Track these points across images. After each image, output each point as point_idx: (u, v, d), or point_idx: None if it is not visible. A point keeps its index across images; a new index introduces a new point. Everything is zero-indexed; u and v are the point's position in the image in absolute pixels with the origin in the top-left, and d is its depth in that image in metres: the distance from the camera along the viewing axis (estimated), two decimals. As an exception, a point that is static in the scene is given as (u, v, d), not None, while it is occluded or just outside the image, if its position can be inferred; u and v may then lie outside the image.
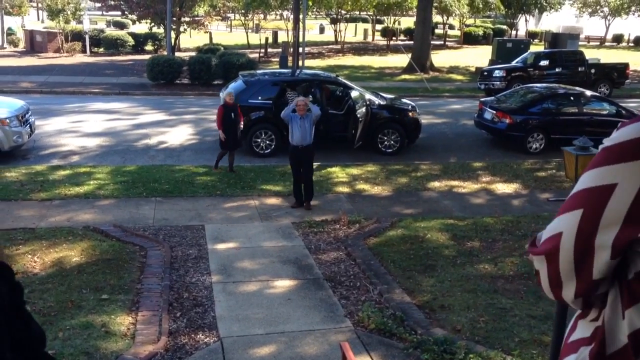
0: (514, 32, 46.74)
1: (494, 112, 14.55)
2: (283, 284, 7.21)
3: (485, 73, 23.57)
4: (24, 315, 0.70)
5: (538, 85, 17.28)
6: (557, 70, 22.92)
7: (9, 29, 37.30)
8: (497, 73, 23.01)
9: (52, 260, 7.42)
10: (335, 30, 42.59)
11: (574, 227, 1.17)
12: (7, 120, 11.84)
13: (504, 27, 47.67)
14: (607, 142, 1.17)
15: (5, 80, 22.34)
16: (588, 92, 15.64)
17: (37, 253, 7.59)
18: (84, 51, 32.82)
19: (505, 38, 37.44)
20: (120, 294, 6.69)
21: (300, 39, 26.25)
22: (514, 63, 24.19)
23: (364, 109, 13.01)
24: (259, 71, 17.27)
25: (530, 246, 1.32)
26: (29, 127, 12.61)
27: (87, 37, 32.93)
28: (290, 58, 26.46)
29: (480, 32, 46.01)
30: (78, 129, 15.11)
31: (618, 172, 1.11)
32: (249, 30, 42.46)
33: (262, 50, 33.77)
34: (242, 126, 11.90)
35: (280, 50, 31.13)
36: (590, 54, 27.20)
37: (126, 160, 12.61)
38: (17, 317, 0.67)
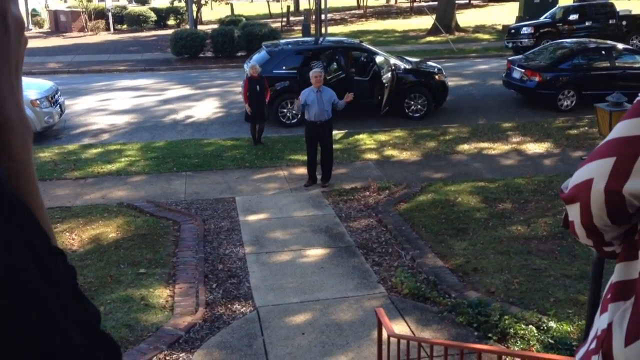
0: (541, -13, 45.39)
1: (523, 70, 14.24)
2: (315, 253, 7.28)
3: (513, 31, 23.02)
4: (81, 296, 0.73)
5: (568, 40, 16.80)
6: (587, 24, 22.26)
7: (34, 10, 37.59)
8: (524, 30, 22.45)
9: (90, 237, 7.60)
10: (357, -5, 41.93)
11: (605, 173, 1.20)
12: (38, 102, 12.01)
13: (531, -18, 46.29)
14: None
15: (33, 61, 22.62)
16: (620, 46, 15.18)
17: (75, 230, 7.78)
18: (107, 29, 32.97)
19: (532, -7, 36.39)
20: (157, 267, 6.84)
21: (322, 6, 25.93)
22: (542, 19, 23.55)
23: (389, 74, 12.86)
24: (282, 41, 17.15)
25: (561, 193, 1.36)
26: (59, 107, 12.79)
27: (110, 14, 33.03)
28: (312, 26, 26.20)
29: (506, -11, 44.77)
30: (106, 107, 15.28)
31: None
32: (270, 0, 42.05)
33: (284, 19, 33.48)
34: (268, 99, 11.77)
35: (302, 18, 30.81)
36: (621, 5, 26.31)
37: (155, 136, 12.74)
38: (74, 300, 0.69)
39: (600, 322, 1.30)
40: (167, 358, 5.27)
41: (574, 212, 1.32)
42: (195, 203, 8.90)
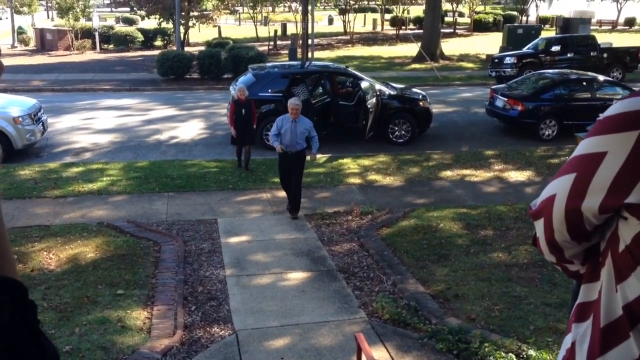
0: (524, 18, 46.32)
1: (506, 99, 14.45)
2: (296, 276, 7.22)
3: (496, 60, 23.40)
4: (37, 335, 0.69)
5: (550, 71, 17.12)
6: (569, 55, 22.71)
7: (20, 27, 37.52)
8: (508, 60, 22.84)
9: (68, 257, 7.48)
10: (344, 21, 42.44)
11: (566, 189, 1.26)
12: (20, 119, 11.93)
13: (515, 13, 47.25)
14: (602, 115, 1.25)
15: (17, 79, 22.50)
16: (600, 77, 15.49)
17: (53, 250, 7.66)
18: (94, 48, 32.97)
19: (515, 24, 37.09)
20: (136, 289, 6.74)
21: (309, 31, 26.19)
22: (525, 49, 23.99)
23: (374, 100, 12.97)
24: (268, 64, 17.25)
25: (530, 210, 1.42)
26: (42, 125, 12.70)
27: (96, 34, 33.07)
28: (299, 50, 26.41)
29: (491, 19, 45.64)
30: (90, 125, 15.19)
31: (608, 141, 1.18)
32: (258, 23, 42.39)
33: (271, 43, 33.73)
34: (255, 123, 11.68)
35: (289, 42, 31.06)
36: (603, 39, 26.90)
37: (138, 156, 12.67)
38: (30, 337, 0.66)
39: (565, 342, 1.37)
40: (143, 382, 5.16)
41: (539, 228, 1.37)
42: (177, 224, 8.82)
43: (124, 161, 12.10)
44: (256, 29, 40.05)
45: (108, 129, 14.91)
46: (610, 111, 1.21)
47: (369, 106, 12.97)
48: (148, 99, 19.26)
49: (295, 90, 13.10)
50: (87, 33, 33.42)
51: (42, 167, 11.46)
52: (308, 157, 9.29)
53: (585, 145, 1.24)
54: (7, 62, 27.62)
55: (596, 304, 1.28)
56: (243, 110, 11.15)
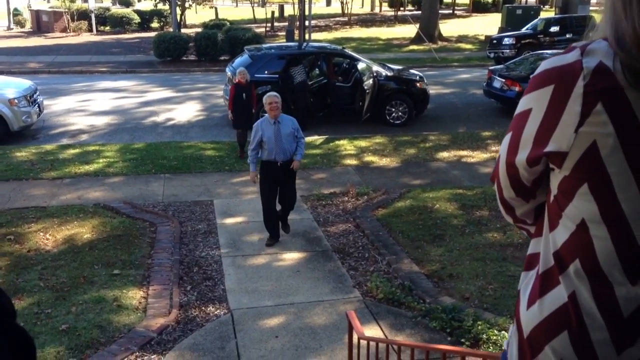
0: (523, -1, 45.97)
1: (503, 80, 14.40)
2: (292, 257, 7.26)
3: (495, 41, 23.28)
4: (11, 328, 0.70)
5: (548, 51, 17.03)
6: (567, 36, 22.56)
7: (15, 9, 37.24)
8: (506, 41, 22.72)
9: (64, 238, 7.51)
10: (342, 2, 42.14)
11: (505, 148, 1.37)
12: (16, 101, 11.89)
13: (514, -6, 46.84)
14: (531, 75, 1.35)
15: (13, 61, 22.39)
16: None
17: (49, 231, 7.68)
18: (90, 30, 32.75)
19: (514, 5, 36.84)
20: (132, 269, 6.77)
21: (307, 12, 26.02)
22: (523, 30, 23.85)
23: (371, 81, 12.93)
24: (264, 45, 17.16)
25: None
26: (38, 106, 12.66)
27: (92, 15, 32.82)
28: (296, 32, 26.26)
29: (490, 0, 45.30)
30: (86, 107, 15.15)
31: (532, 98, 1.29)
32: (255, 5, 42.10)
33: (269, 25, 33.52)
34: (254, 110, 11.28)
35: (286, 24, 30.86)
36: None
37: (134, 137, 12.65)
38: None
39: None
40: (138, 359, 5.21)
41: (495, 189, 1.48)
42: (173, 205, 8.84)
43: (120, 143, 12.09)
44: (253, 10, 39.77)
45: (104, 111, 14.88)
46: (537, 69, 1.30)
47: (365, 87, 12.93)
48: (144, 81, 19.19)
49: (292, 71, 13.05)
50: (84, 15, 33.17)
51: (39, 149, 11.44)
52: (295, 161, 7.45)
53: (519, 105, 1.33)
54: (3, 44, 27.50)
55: (539, 255, 1.38)
56: (244, 95, 10.84)
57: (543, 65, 1.28)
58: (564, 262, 1.29)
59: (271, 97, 7.27)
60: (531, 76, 1.33)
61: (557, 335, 1.30)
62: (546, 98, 1.23)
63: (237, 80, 10.94)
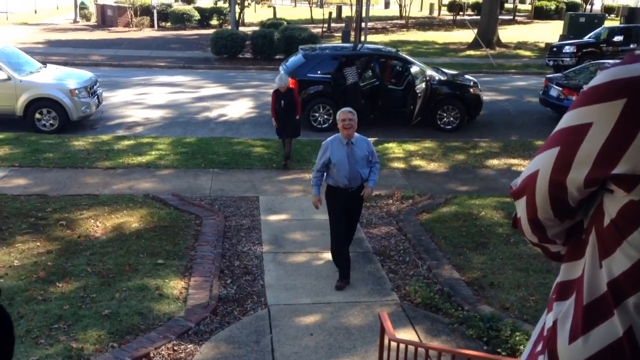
0: (588, 7, 44.70)
1: (561, 89, 14.03)
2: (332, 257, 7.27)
3: (555, 49, 22.70)
4: None
5: (610, 61, 16.48)
6: (632, 46, 21.79)
7: (82, 3, 38.59)
8: (567, 49, 22.12)
9: (113, 226, 7.75)
10: (400, 5, 41.90)
11: (549, 164, 1.21)
12: (76, 91, 12.33)
13: (579, 0, 45.62)
14: (585, 86, 1.21)
15: (77, 53, 23.21)
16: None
17: (100, 218, 7.95)
18: (152, 25, 33.63)
19: (578, 12, 35.86)
20: (175, 259, 6.94)
21: (364, 14, 26.00)
22: (586, 38, 23.17)
23: (423, 85, 12.83)
24: (319, 45, 17.24)
25: (511, 190, 1.37)
26: (97, 98, 13.10)
27: (154, 11, 33.69)
28: (352, 33, 26.27)
29: (553, 6, 44.19)
30: (143, 101, 15.58)
31: (593, 112, 1.13)
32: (313, 5, 42.35)
33: (325, 25, 33.65)
34: (298, 116, 10.61)
35: (343, 25, 30.92)
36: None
37: (187, 132, 12.93)
38: None
39: (547, 321, 1.32)
40: (176, 348, 5.34)
41: (521, 207, 1.32)
42: (219, 199, 9.00)
43: (173, 136, 12.38)
44: (311, 10, 40.01)
45: (160, 104, 15.26)
46: (594, 81, 1.16)
47: (417, 91, 12.83)
48: (200, 77, 19.58)
49: (345, 71, 13.07)
50: (146, 10, 34.09)
51: (95, 139, 11.84)
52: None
53: (569, 118, 1.20)
54: (68, 36, 28.56)
55: (579, 281, 1.24)
56: (282, 102, 10.27)
57: (607, 76, 1.13)
58: (621, 293, 1.16)
59: (345, 114, 6.33)
60: (586, 87, 1.19)
61: None
62: (615, 113, 1.09)
63: (277, 87, 10.45)
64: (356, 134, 6.47)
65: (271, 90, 16.10)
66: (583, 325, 1.20)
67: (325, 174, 6.51)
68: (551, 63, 22.28)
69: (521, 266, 7.01)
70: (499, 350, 5.31)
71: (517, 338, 5.36)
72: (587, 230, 1.24)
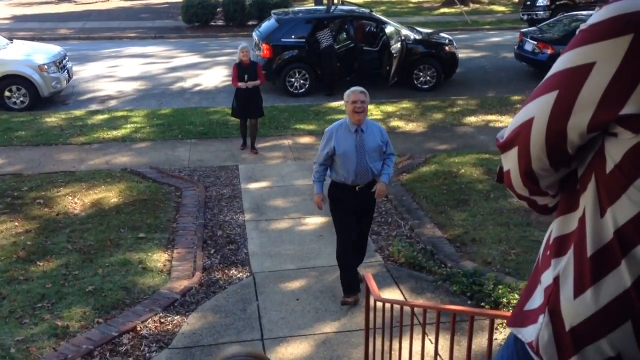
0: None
1: (535, 42, 14.00)
2: (315, 221, 7.29)
3: (528, 2, 22.54)
4: None
5: (583, 12, 16.45)
6: (604, -4, 21.75)
7: (46, -24, 37.45)
8: (540, 2, 21.96)
9: (92, 201, 7.66)
10: (372, -36, 41.28)
11: (547, 109, 1.13)
12: (45, 67, 12.04)
13: (551, -47, 45.26)
14: (583, 25, 1.11)
15: (44, 27, 22.60)
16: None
17: (77, 195, 7.84)
18: (119, -4, 32.78)
19: (551, -35, 35.62)
20: (157, 232, 6.89)
21: (335, -25, 25.57)
22: (559, -9, 23.06)
23: (398, 45, 12.72)
24: (292, 9, 16.97)
25: (497, 142, 1.28)
26: (67, 72, 12.80)
27: (122, -19, 32.82)
28: (325, -5, 25.87)
29: (525, -40, 43.84)
30: (115, 73, 15.27)
31: (596, 50, 1.06)
32: (284, -32, 41.53)
33: (297, -12, 33.09)
34: (258, 84, 9.23)
35: (315, -13, 30.39)
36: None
37: (162, 103, 12.74)
38: None
39: (544, 278, 1.26)
40: (162, 320, 5.34)
41: (510, 158, 1.25)
42: (199, 170, 8.93)
43: (148, 108, 12.19)
44: (282, -26, 39.25)
45: (133, 76, 14.98)
46: (595, 18, 1.09)
47: (393, 51, 12.73)
48: (172, 47, 19.22)
49: (319, 35, 12.90)
50: (113, -20, 33.19)
51: (68, 115, 11.61)
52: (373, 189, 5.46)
53: (567, 59, 1.11)
54: (34, 10, 27.77)
55: (575, 235, 1.19)
56: (246, 76, 9.07)
57: (610, 11, 1.06)
58: (629, 241, 1.10)
59: (356, 94, 5.21)
60: (586, 24, 1.11)
61: (617, 327, 1.13)
62: (621, 50, 1.02)
63: (238, 59, 9.19)
64: (367, 120, 5.41)
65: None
66: (591, 276, 1.15)
67: (329, 168, 5.49)
68: (525, 17, 22.17)
69: (501, 221, 7.08)
70: (482, 303, 5.39)
71: (500, 291, 5.44)
72: (584, 178, 1.18)
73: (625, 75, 1.02)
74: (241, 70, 9.11)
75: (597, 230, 1.14)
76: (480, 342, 4.79)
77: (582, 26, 1.11)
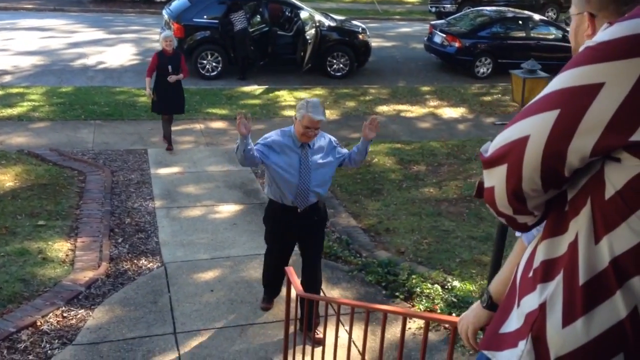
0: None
1: (444, 35, 14.39)
2: (228, 209, 7.12)
3: (437, -5, 23.18)
4: None
5: (488, 8, 17.11)
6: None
7: None
8: (448, -5, 22.64)
9: (-16, 186, 7.08)
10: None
11: (545, 129, 1.05)
12: None
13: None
14: (590, 42, 1.04)
15: None
16: (536, 16, 15.60)
17: (-32, 178, 7.22)
18: (14, -37, 30.55)
19: (457, -40, 36.73)
20: (58, 219, 6.47)
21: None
22: (465, -15, 23.82)
23: (313, 31, 12.65)
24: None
25: (481, 156, 1.20)
26: (-46, 44, 11.76)
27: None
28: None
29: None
30: (9, 47, 14.21)
31: (606, 70, 0.99)
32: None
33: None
34: (181, 78, 8.44)
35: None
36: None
37: (62, 80, 11.98)
38: None
39: (525, 303, 1.20)
40: (65, 314, 5.01)
41: (496, 176, 1.16)
42: (104, 154, 8.47)
43: (47, 85, 11.43)
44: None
45: (30, 51, 13.99)
46: (605, 35, 1.01)
47: (307, 37, 12.64)
48: (74, 20, 18.14)
49: (233, 17, 12.57)
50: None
51: (-44, 90, 10.69)
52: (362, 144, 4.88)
53: (571, 77, 1.03)
54: None
55: (564, 260, 1.13)
56: (170, 67, 8.24)
57: (622, 30, 0.98)
58: (626, 272, 1.05)
59: (312, 121, 4.29)
60: (593, 42, 1.02)
61: (610, 359, 1.09)
62: (634, 72, 0.96)
63: (161, 48, 8.31)
64: (322, 133, 4.69)
65: (155, 36, 15.28)
66: (583, 305, 1.09)
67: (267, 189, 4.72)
68: (433, 9, 22.77)
69: (414, 211, 7.22)
70: (397, 293, 5.46)
71: (413, 281, 5.53)
72: (577, 202, 1.12)
73: (638, 99, 0.96)
74: (163, 60, 8.22)
75: (591, 258, 1.09)
76: (394, 331, 4.85)
77: (589, 43, 1.04)
